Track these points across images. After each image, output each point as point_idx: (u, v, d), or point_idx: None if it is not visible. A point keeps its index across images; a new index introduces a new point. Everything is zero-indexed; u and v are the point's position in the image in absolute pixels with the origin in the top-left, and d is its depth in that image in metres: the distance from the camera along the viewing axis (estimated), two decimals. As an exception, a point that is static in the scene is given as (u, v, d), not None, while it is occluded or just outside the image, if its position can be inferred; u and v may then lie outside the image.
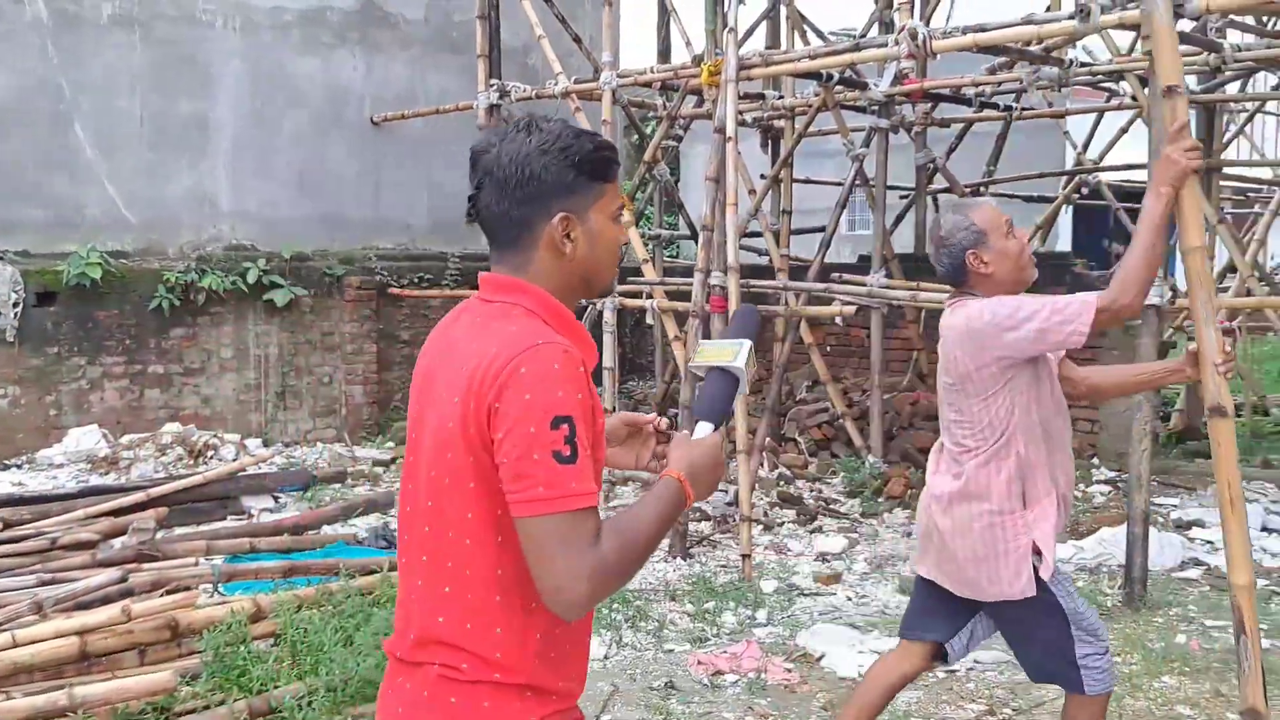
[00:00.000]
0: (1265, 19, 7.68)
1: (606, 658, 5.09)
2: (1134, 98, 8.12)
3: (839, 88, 8.86)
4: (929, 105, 10.01)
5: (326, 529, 7.19)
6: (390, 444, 10.42)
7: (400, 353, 11.37)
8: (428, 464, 1.79)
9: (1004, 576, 3.13)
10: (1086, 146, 12.45)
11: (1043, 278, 9.03)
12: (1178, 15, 5.49)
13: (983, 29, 6.44)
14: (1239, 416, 10.14)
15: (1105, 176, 12.08)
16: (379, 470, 9.23)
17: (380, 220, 11.54)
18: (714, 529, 7.46)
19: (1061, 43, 7.22)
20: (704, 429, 1.91)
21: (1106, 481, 8.39)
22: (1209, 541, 6.73)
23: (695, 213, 11.11)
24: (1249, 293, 9.14)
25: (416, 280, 11.35)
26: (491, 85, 9.44)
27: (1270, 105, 12.89)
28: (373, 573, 5.35)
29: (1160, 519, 7.24)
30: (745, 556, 6.51)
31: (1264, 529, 6.89)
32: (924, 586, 3.43)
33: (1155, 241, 3.09)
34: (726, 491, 7.59)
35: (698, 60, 7.91)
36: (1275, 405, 10.78)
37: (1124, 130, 11.57)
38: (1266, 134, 20.15)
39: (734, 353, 1.96)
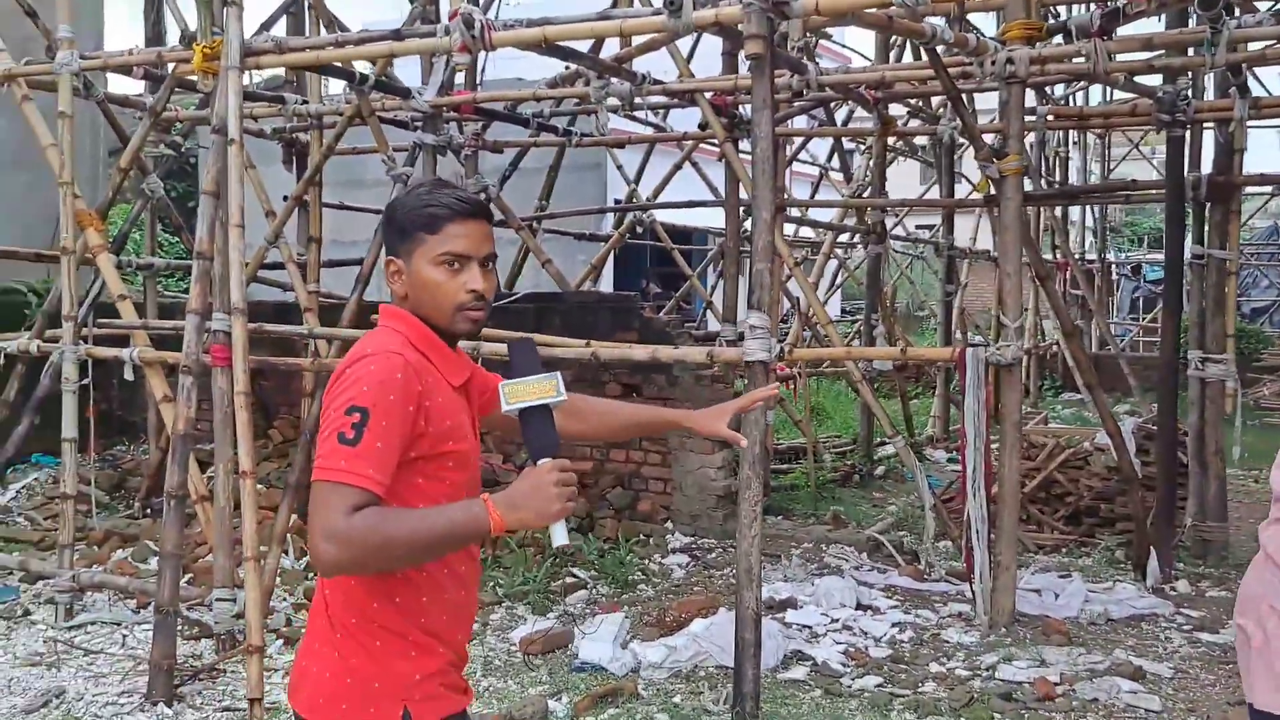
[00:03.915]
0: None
1: None
2: (704, 126, 7.37)
3: (376, 95, 7.39)
4: (480, 125, 8.81)
5: None
6: None
7: None
8: None
9: (1260, 677, 2.32)
10: (638, 181, 11.92)
11: (610, 322, 8.08)
12: (782, 16, 4.61)
13: (550, 22, 5.26)
14: (799, 466, 9.80)
15: (659, 215, 11.58)
16: None
17: None
18: (219, 652, 5.62)
19: (637, 50, 6.25)
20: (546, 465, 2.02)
21: (683, 550, 7.52)
22: (807, 627, 5.93)
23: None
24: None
25: None
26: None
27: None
28: None
29: (750, 598, 6.39)
30: (254, 701, 4.79)
31: (860, 606, 6.22)
32: None
33: None
34: (235, 600, 5.76)
35: (190, 40, 6.10)
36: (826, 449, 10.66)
37: (678, 167, 11.12)
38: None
39: (554, 386, 2.07)
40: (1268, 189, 21.29)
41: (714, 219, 17.83)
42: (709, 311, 14.31)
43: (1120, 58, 5.78)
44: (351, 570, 1.99)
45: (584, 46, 6.44)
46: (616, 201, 15.91)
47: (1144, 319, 22.37)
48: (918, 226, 22.92)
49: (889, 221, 16.07)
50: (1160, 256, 25.45)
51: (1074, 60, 5.72)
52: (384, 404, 1.97)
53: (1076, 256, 16.71)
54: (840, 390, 15.22)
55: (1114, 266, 22.00)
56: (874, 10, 4.81)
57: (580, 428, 2.53)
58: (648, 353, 5.28)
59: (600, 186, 18.31)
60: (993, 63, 5.55)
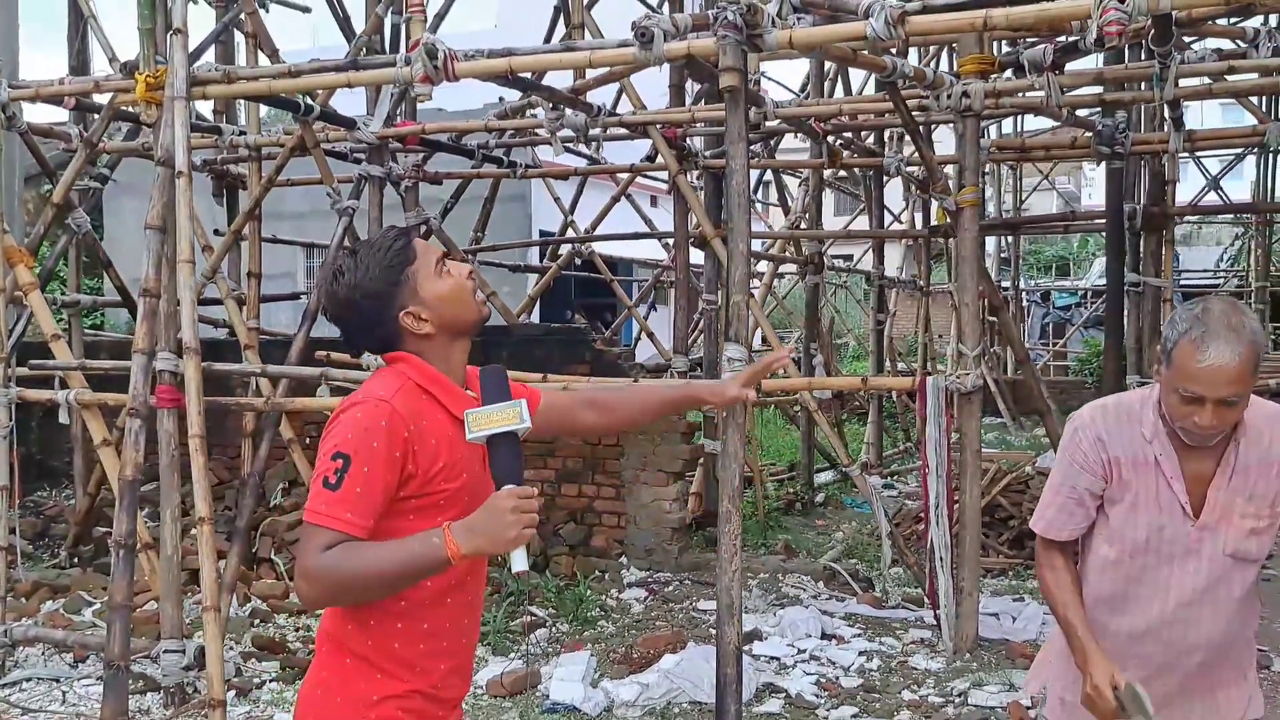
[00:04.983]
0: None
1: None
2: (655, 154, 7.35)
3: (319, 125, 7.23)
4: (421, 156, 8.67)
5: None
6: None
7: None
8: None
9: None
10: (572, 212, 11.86)
11: (561, 354, 8.00)
12: (756, 49, 4.62)
13: (512, 53, 5.21)
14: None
15: (597, 247, 11.55)
16: None
17: None
18: (170, 706, 5.37)
19: (594, 82, 6.21)
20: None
21: (640, 584, 7.44)
22: (775, 659, 5.89)
23: (128, 275, 8.80)
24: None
25: None
26: None
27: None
28: None
29: (714, 634, 6.33)
30: (216, 758, 4.58)
31: (824, 635, 6.20)
32: None
33: None
34: (184, 652, 5.51)
35: (130, 69, 5.89)
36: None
37: (616, 199, 11.10)
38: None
39: (518, 414, 2.07)
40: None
41: (641, 250, 17.92)
42: (639, 342, 14.33)
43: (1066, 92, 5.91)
44: (328, 604, 2.13)
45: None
46: (543, 233, 15.86)
47: (1054, 344, 22.98)
48: (834, 256, 23.30)
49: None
50: (1067, 284, 26.27)
51: (1026, 94, 5.84)
52: (366, 451, 2.05)
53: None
54: (769, 417, 15.30)
55: (1024, 294, 22.58)
56: (840, 44, 4.83)
57: (608, 419, 2.64)
58: (621, 386, 5.20)
59: (525, 218, 18.27)
60: (949, 96, 5.64)
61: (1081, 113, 7.12)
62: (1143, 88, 6.47)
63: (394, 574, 2.03)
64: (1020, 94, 5.90)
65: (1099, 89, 6.42)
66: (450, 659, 2.23)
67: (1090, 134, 6.83)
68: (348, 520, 2.03)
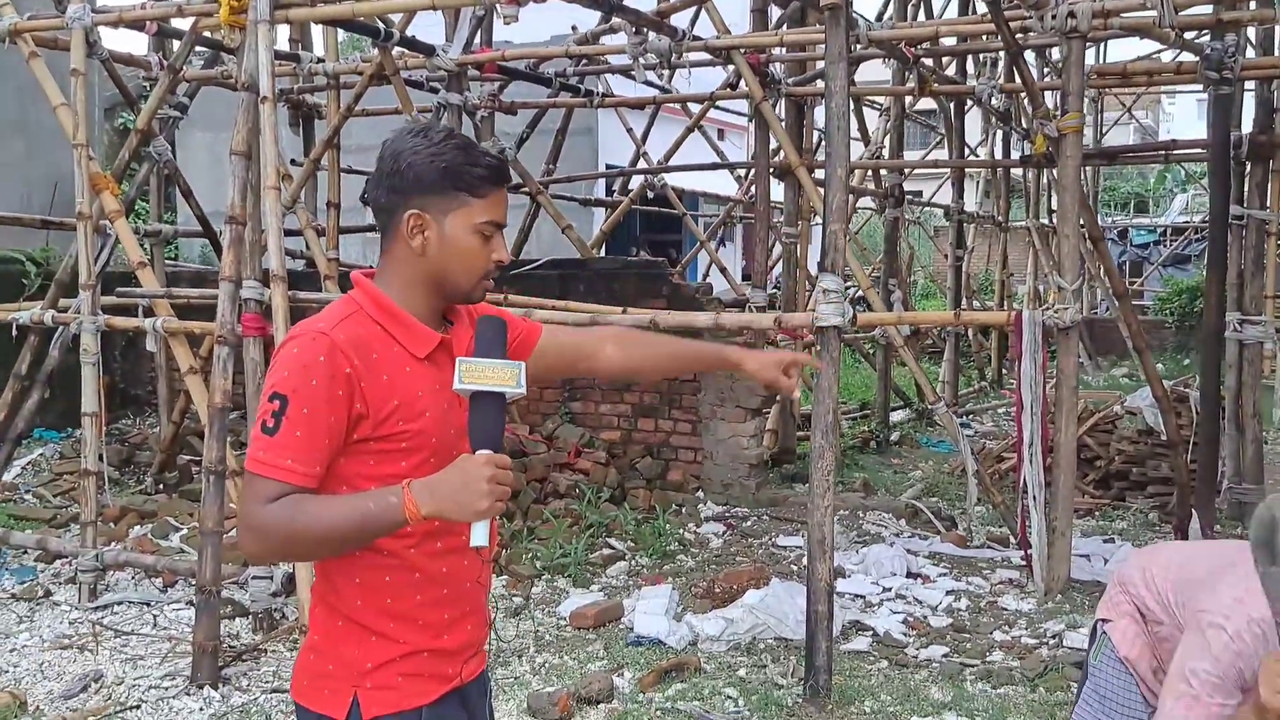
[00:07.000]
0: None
1: None
2: (735, 83, 7.14)
3: (397, 52, 7.13)
4: (496, 86, 8.55)
5: None
6: None
7: None
8: None
9: None
10: (644, 142, 11.67)
11: (638, 289, 7.89)
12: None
13: (602, -26, 5.05)
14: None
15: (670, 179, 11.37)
16: None
17: None
18: (258, 632, 5.44)
19: (683, 3, 6.02)
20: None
21: (717, 519, 7.39)
22: (860, 597, 5.81)
23: (205, 206, 8.84)
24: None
25: None
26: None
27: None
28: None
29: (795, 570, 6.27)
30: (309, 682, 4.60)
31: (909, 574, 6.11)
32: None
33: None
34: (272, 579, 5.57)
35: (213, -8, 5.81)
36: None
37: (690, 131, 10.89)
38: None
39: (514, 376, 1.88)
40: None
41: (708, 183, 17.63)
42: (706, 278, 14.18)
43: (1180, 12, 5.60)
44: (275, 559, 2.25)
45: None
46: (609, 166, 15.70)
47: (1130, 283, 22.40)
48: (906, 191, 22.75)
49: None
50: (1146, 220, 25.51)
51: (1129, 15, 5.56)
52: (304, 390, 1.86)
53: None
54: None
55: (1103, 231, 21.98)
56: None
57: (634, 362, 2.41)
58: (710, 319, 5.10)
59: (591, 151, 18.07)
60: (1053, 17, 5.38)
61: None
62: (1253, 6, 6.15)
63: (346, 532, 1.84)
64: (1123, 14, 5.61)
65: (1209, 8, 6.09)
66: (454, 606, 2.04)
67: (1197, 58, 6.51)
68: (289, 468, 1.84)
